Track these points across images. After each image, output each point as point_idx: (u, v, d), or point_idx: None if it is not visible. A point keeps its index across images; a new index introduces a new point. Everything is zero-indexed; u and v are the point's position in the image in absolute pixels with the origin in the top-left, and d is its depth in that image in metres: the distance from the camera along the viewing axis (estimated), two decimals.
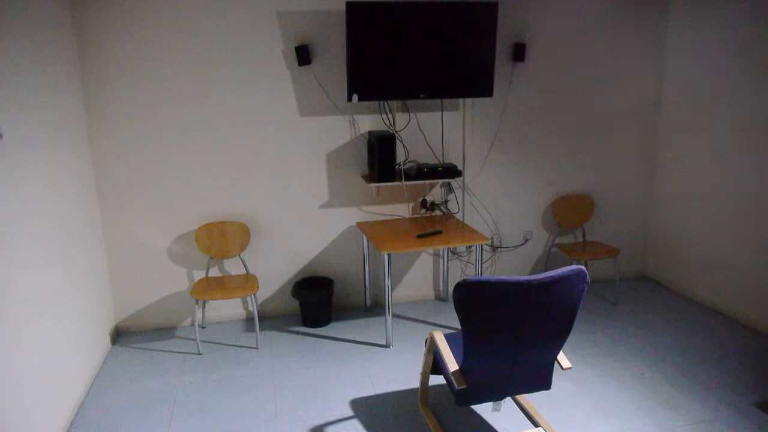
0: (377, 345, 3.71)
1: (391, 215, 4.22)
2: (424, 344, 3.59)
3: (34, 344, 2.60)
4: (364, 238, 4.05)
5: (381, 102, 3.96)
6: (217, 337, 3.86)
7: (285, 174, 3.96)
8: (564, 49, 4.23)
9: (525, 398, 3.04)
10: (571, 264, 2.34)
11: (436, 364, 2.77)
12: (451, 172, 3.99)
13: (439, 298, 4.46)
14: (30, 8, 2.82)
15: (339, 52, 3.79)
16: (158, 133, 3.69)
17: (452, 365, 2.45)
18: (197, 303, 3.72)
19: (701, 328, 3.88)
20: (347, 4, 3.48)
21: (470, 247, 4.39)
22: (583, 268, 2.24)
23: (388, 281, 3.58)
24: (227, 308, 4.10)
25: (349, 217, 4.14)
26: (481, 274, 3.96)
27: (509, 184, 4.39)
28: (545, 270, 4.56)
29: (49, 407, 2.71)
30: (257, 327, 3.72)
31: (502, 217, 4.44)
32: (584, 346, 3.64)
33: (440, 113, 4.12)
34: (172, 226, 3.85)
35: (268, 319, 4.11)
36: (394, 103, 4.01)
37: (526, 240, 4.54)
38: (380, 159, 3.79)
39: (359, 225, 4.03)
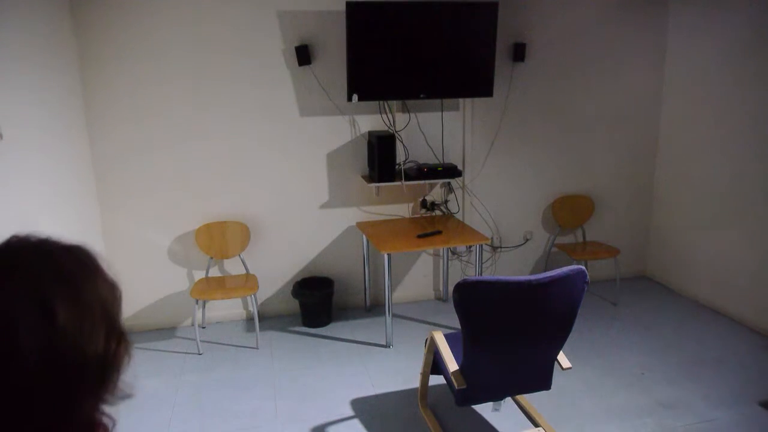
0: (377, 345, 3.71)
1: (391, 215, 4.22)
2: (424, 344, 3.59)
3: None
4: (364, 238, 4.05)
5: (381, 102, 3.96)
6: (217, 337, 3.86)
7: (285, 174, 3.96)
8: (564, 49, 4.23)
9: (525, 398, 3.04)
10: (571, 264, 2.34)
11: (436, 364, 2.77)
12: (451, 172, 3.99)
13: (439, 298, 4.46)
14: (30, 8, 2.82)
15: (339, 52, 3.78)
16: (158, 133, 3.69)
17: (452, 365, 2.45)
18: (197, 303, 3.71)
19: (701, 328, 3.87)
20: (347, 4, 3.48)
21: (470, 247, 4.39)
22: (583, 268, 2.24)
23: (388, 281, 3.58)
24: (227, 308, 4.09)
25: (349, 217, 4.14)
26: (481, 274, 3.96)
27: (509, 184, 4.39)
28: (545, 270, 4.56)
29: None
30: (257, 327, 3.72)
31: (502, 217, 4.44)
32: (584, 346, 3.64)
33: (440, 113, 4.11)
34: (172, 226, 3.85)
35: (268, 319, 4.11)
36: (394, 103, 4.01)
37: (526, 240, 4.54)
38: (380, 159, 3.78)
39: (359, 225, 4.03)
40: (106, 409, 0.71)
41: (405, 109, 4.05)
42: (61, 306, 0.63)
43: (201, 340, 3.73)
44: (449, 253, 4.38)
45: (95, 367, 0.67)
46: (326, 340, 3.79)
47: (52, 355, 0.61)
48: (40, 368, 0.61)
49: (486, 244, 4.38)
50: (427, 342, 2.74)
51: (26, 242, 0.67)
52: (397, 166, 3.90)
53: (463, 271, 4.47)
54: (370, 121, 4.01)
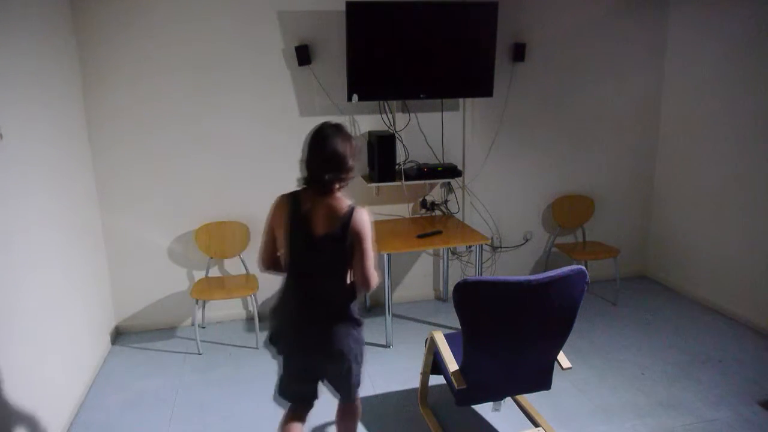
0: (377, 345, 3.71)
1: (391, 215, 4.21)
2: (424, 344, 3.59)
3: (35, 344, 2.60)
4: None
5: (381, 102, 3.96)
6: (217, 337, 3.86)
7: (285, 174, 3.94)
8: (564, 49, 4.23)
9: (525, 398, 3.04)
10: (571, 264, 2.34)
11: (436, 364, 2.77)
12: (451, 172, 3.99)
13: (439, 298, 4.46)
14: (30, 9, 2.82)
15: (339, 52, 3.78)
16: (158, 133, 3.69)
17: (452, 365, 2.45)
18: (197, 303, 3.71)
19: (701, 328, 3.88)
20: (347, 4, 3.48)
21: (470, 247, 4.39)
22: (583, 268, 2.24)
23: (388, 281, 3.58)
24: (227, 308, 4.09)
25: None
26: (481, 274, 3.96)
27: (509, 184, 4.39)
28: (545, 270, 4.56)
29: (50, 407, 2.70)
30: (257, 327, 3.72)
31: (502, 217, 4.43)
32: (584, 346, 3.64)
33: (440, 113, 4.11)
34: (172, 226, 3.85)
35: (269, 319, 4.10)
36: (394, 103, 4.01)
37: (526, 240, 4.54)
38: (380, 159, 3.78)
39: None
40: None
41: (405, 109, 4.05)
42: (350, 144, 2.04)
43: (201, 340, 3.73)
44: (449, 253, 4.38)
45: (346, 169, 2.03)
46: None
47: (340, 157, 2.01)
48: (340, 158, 2.01)
49: (486, 244, 4.38)
50: (427, 342, 2.74)
51: (342, 126, 2.07)
52: (397, 166, 3.90)
53: (463, 271, 4.47)
54: (370, 121, 4.01)
